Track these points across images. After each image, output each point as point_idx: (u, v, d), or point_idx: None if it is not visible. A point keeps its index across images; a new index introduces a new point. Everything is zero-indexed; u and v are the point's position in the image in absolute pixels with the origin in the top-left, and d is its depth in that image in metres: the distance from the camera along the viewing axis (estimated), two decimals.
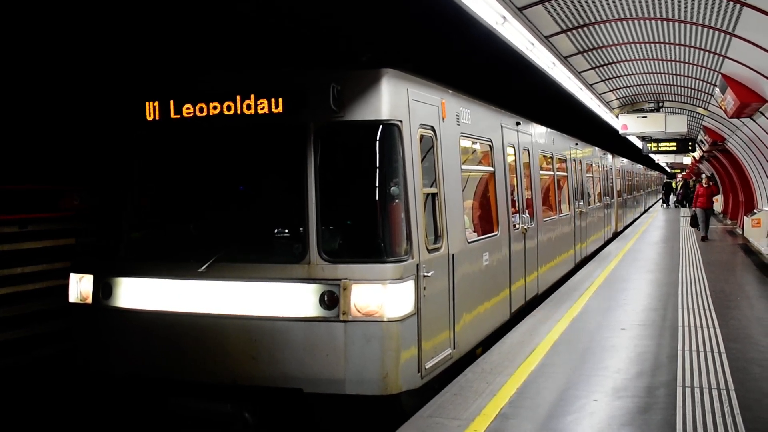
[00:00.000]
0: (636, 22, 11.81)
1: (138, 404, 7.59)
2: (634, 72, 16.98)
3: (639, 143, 30.06)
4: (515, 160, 11.82)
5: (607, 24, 11.94)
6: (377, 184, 7.08)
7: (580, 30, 12.00)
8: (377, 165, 7.11)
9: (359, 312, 6.74)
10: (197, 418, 7.20)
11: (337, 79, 7.01)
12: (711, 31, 11.27)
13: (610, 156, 25.77)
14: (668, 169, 74.07)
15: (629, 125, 21.60)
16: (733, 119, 16.74)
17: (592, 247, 19.91)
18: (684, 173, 62.08)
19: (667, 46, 13.55)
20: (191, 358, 7.16)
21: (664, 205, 49.98)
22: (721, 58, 12.94)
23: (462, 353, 8.50)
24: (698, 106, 20.59)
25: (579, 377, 7.99)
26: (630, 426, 6.48)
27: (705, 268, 16.54)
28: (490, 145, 10.41)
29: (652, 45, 13.68)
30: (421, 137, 7.65)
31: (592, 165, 21.07)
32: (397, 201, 7.08)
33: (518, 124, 12.08)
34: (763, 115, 14.52)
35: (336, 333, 6.77)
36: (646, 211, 44.42)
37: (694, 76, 16.16)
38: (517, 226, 11.39)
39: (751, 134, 18.21)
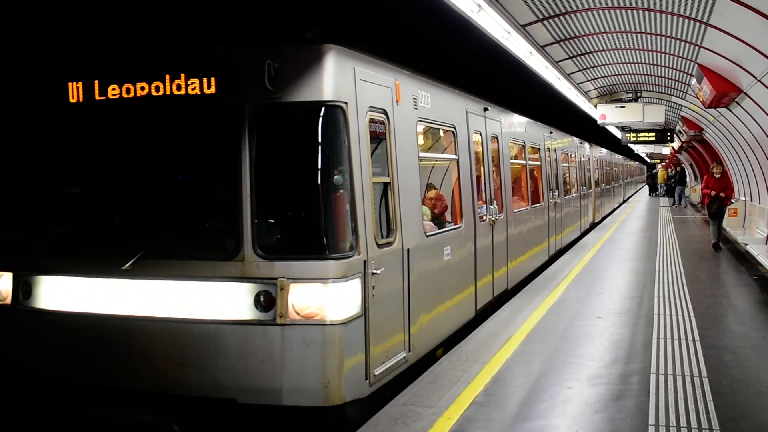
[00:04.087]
0: (612, 11, 11.83)
1: (59, 413, 6.99)
2: (612, 62, 17.02)
3: (618, 133, 30.20)
4: (482, 148, 11.19)
5: (584, 13, 11.94)
6: (319, 173, 6.50)
7: (556, 19, 11.99)
8: (319, 151, 6.54)
9: (298, 314, 6.20)
10: (122, 430, 6.56)
11: (273, 55, 6.38)
12: (686, 20, 11.31)
13: (587, 145, 25.28)
14: (648, 160, 74.56)
15: (607, 115, 21.70)
16: (710, 109, 16.83)
17: (567, 239, 19.45)
18: (663, 164, 62.53)
19: (644, 35, 13.59)
20: (116, 365, 6.60)
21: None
22: (696, 47, 13.00)
23: (419, 356, 7.97)
24: (675, 96, 20.69)
25: (554, 365, 8.02)
26: (603, 413, 6.50)
27: (682, 257, 16.66)
28: (453, 132, 9.76)
29: (629, 35, 13.72)
30: (371, 121, 7.07)
31: (568, 154, 20.45)
32: (341, 191, 6.47)
33: (486, 110, 11.43)
34: (740, 105, 14.61)
35: (272, 337, 6.23)
36: (625, 201, 44.63)
37: (671, 66, 16.23)
38: (483, 217, 10.82)
39: (728, 124, 18.32)
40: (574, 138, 22.05)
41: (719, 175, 18.23)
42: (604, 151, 32.40)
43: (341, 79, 6.58)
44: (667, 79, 18.50)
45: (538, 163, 15.94)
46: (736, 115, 15.91)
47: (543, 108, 20.77)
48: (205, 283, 6.41)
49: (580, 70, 17.53)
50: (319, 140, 6.54)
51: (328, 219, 6.44)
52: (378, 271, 6.78)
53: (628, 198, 48.45)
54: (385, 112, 7.37)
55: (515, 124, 13.75)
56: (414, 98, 8.23)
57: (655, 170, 60.68)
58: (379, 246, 6.93)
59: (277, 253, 6.41)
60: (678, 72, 16.70)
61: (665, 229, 24.19)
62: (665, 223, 26.60)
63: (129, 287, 6.58)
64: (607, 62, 17.06)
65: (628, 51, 15.56)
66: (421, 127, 8.64)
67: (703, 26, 11.26)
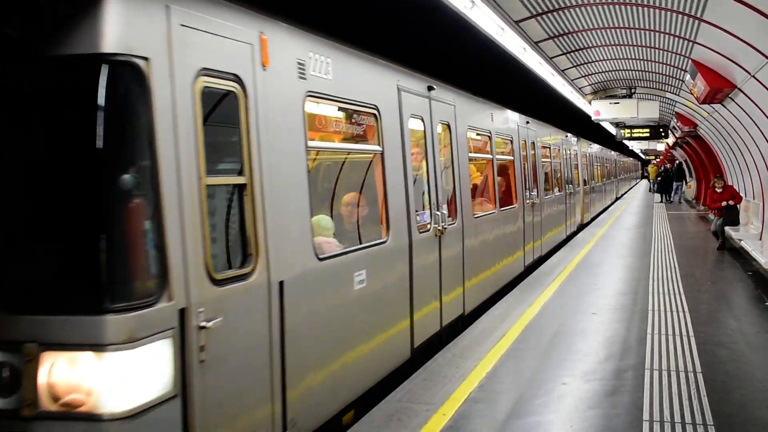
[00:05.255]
0: (606, 7, 11.82)
1: None
2: (606, 58, 17.03)
3: (613, 129, 30.25)
4: (426, 138, 8.81)
5: (577, 9, 11.95)
6: (95, 170, 4.07)
7: (550, 15, 11.98)
8: (96, 136, 4.01)
9: (56, 401, 3.96)
10: None
11: None
12: (680, 16, 11.31)
13: (573, 139, 23.02)
14: (643, 156, 74.87)
15: (602, 111, 21.72)
16: (704, 105, 16.85)
17: (549, 245, 17.24)
18: (658, 160, 62.73)
19: (638, 31, 13.59)
20: None
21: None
22: (690, 43, 13.01)
23: None
24: (669, 92, 20.73)
25: (548, 361, 8.01)
26: (598, 408, 6.50)
27: (677, 253, 16.69)
28: (375, 114, 7.39)
29: (623, 30, 13.72)
30: (206, 91, 4.68)
31: (550, 148, 18.14)
32: (135, 199, 4.16)
33: (431, 89, 9.04)
34: (734, 100, 14.62)
35: None
36: (618, 198, 44.54)
37: (665, 62, 16.24)
38: (427, 227, 8.59)
39: (722, 120, 18.35)
40: (559, 130, 20.04)
41: (720, 190, 18.11)
42: (596, 145, 31.37)
43: (138, 21, 4.21)
44: (661, 75, 18.52)
45: (510, 157, 13.62)
46: (730, 110, 15.92)
47: (519, 93, 19.26)
48: None
49: (574, 66, 17.52)
50: (97, 118, 4.03)
51: (108, 245, 4.02)
52: (212, 323, 4.50)
53: (622, 195, 48.38)
54: (237, 79, 5.02)
55: (478, 110, 11.51)
56: (300, 63, 5.86)
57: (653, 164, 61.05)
58: (218, 282, 4.65)
59: (25, 302, 4.08)
60: (672, 68, 16.71)
61: (660, 225, 24.23)
62: (660, 219, 26.64)
63: None
64: (601, 58, 17.06)
65: (622, 47, 15.56)
66: (312, 106, 6.31)
67: (696, 22, 11.27)
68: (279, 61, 5.53)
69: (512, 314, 10.29)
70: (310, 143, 6.05)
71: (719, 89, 13.70)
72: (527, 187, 14.60)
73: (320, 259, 5.98)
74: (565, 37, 13.95)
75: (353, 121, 7.35)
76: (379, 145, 7.47)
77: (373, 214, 7.78)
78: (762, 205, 17.43)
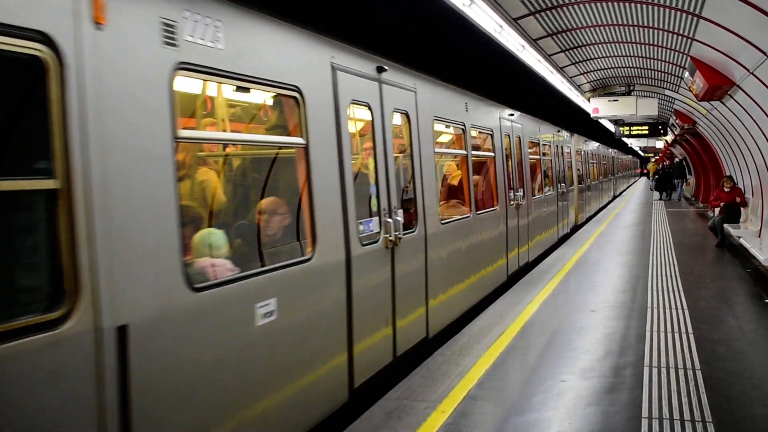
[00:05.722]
0: (604, 4, 11.83)
1: None
2: (605, 55, 17.04)
3: (611, 127, 30.23)
4: (373, 129, 7.38)
5: (576, 6, 11.94)
6: None
7: (548, 12, 11.98)
8: None
9: None
10: None
11: None
12: (679, 13, 11.32)
13: (566, 134, 21.30)
14: (641, 153, 74.93)
15: (600, 109, 21.71)
16: (703, 102, 16.87)
17: (537, 250, 15.65)
18: (657, 157, 62.76)
19: (637, 28, 13.60)
20: None
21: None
22: (689, 40, 13.01)
23: None
24: (668, 89, 20.74)
25: (547, 358, 8.00)
26: (596, 406, 6.49)
27: (675, 251, 16.68)
28: (296, 98, 5.80)
29: (622, 27, 13.72)
30: None
31: (540, 144, 16.66)
32: None
33: (381, 70, 7.53)
34: (732, 97, 14.63)
35: None
36: (616, 196, 44.42)
37: (664, 59, 16.25)
38: (376, 237, 7.18)
39: (721, 117, 18.36)
40: (550, 125, 18.54)
41: (728, 189, 18.59)
42: (591, 142, 30.26)
43: None
44: (660, 72, 18.54)
45: (491, 154, 12.14)
46: (728, 107, 15.92)
47: (505, 84, 18.71)
48: None
49: (573, 64, 17.53)
50: None
51: None
52: None
53: (620, 193, 48.26)
54: (47, 40, 3.51)
55: (448, 98, 10.03)
56: (167, 24, 4.32)
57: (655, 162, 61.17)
58: None
59: None
60: (671, 65, 16.72)
61: (659, 222, 24.22)
62: (659, 216, 26.63)
63: None
64: (600, 55, 17.07)
65: (621, 44, 15.57)
66: (191, 84, 5.15)
67: (695, 19, 11.26)
68: (125, 19, 4.00)
69: (511, 312, 10.28)
70: (183, 133, 4.54)
71: (718, 86, 13.72)
72: (511, 186, 13.27)
73: (195, 290, 4.40)
74: (563, 34, 13.95)
75: (261, 105, 6.06)
76: (301, 136, 5.88)
77: (293, 225, 6.34)
78: (761, 203, 17.44)
